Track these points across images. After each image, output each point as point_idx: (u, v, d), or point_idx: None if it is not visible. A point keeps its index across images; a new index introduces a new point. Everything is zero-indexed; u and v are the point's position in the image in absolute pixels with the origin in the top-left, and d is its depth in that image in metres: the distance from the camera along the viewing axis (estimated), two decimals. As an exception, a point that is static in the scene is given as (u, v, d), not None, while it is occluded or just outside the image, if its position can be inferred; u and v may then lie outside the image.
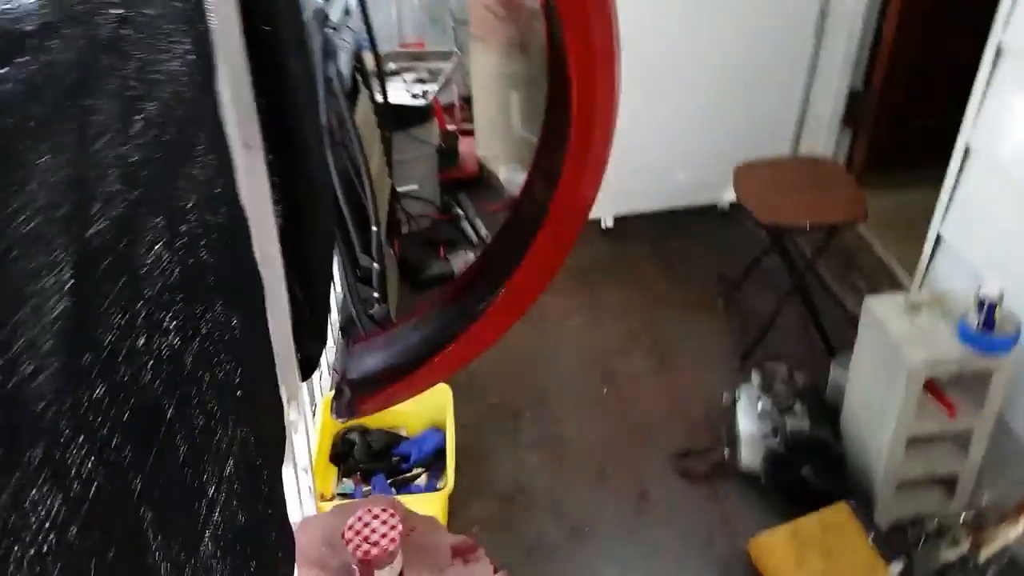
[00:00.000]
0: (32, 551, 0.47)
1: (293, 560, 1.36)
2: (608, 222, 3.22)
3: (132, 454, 0.65)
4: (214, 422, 0.93)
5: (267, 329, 1.32)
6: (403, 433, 2.35)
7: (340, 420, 1.63)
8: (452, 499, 2.08)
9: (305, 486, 2.10)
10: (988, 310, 1.82)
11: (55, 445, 0.49)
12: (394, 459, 2.28)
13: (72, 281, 0.52)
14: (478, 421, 2.41)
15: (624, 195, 3.19)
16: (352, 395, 1.23)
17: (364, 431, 2.31)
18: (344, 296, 2.54)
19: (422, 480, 2.22)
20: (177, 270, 0.80)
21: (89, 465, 0.56)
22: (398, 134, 3.12)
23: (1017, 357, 1.86)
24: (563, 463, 2.31)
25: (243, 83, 1.47)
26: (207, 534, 0.89)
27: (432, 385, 1.23)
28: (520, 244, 1.13)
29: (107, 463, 0.58)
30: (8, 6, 0.46)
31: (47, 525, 0.50)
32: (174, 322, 0.79)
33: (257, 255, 1.21)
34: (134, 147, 0.65)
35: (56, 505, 0.50)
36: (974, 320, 1.84)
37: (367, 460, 2.26)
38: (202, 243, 0.89)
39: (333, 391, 1.41)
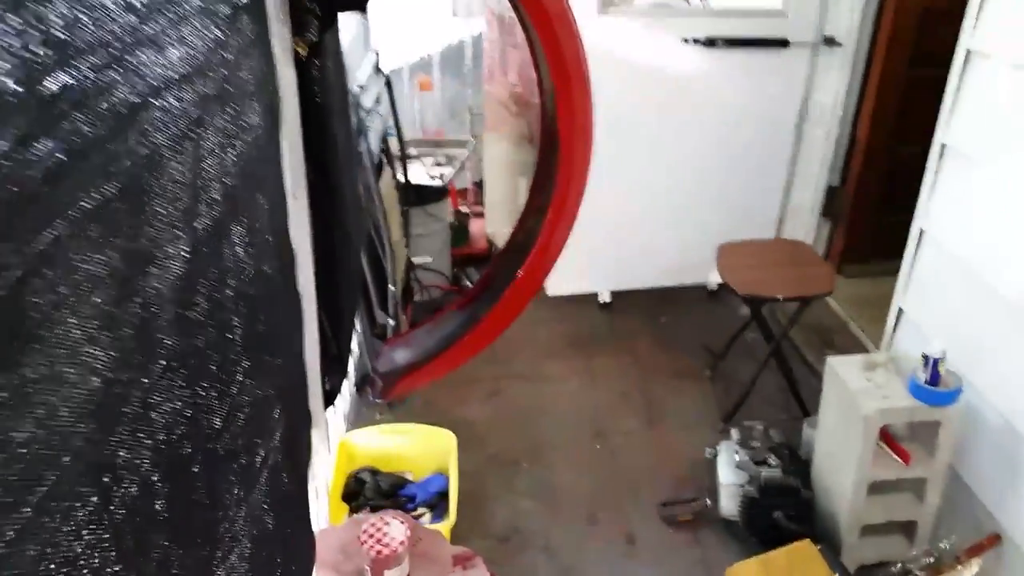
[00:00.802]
0: (149, 440, 0.69)
1: (313, 554, 1.57)
2: (605, 297, 3.49)
3: (213, 398, 0.88)
4: (267, 399, 1.17)
5: (303, 344, 1.58)
6: (409, 477, 2.54)
7: (376, 401, 1.83)
8: (452, 537, 2.25)
9: (321, 513, 2.29)
10: (933, 366, 2.05)
11: (166, 370, 0.69)
12: (401, 499, 2.46)
13: (187, 255, 0.77)
14: (478, 469, 2.60)
15: (621, 273, 3.47)
16: (382, 383, 1.47)
17: (374, 472, 2.50)
18: (360, 351, 2.79)
19: (426, 518, 2.39)
20: (250, 272, 1.07)
21: (185, 395, 0.79)
22: (416, 210, 3.43)
23: (962, 410, 2.08)
24: (556, 509, 2.49)
25: (296, 142, 1.78)
26: (259, 485, 1.12)
27: (445, 373, 1.47)
28: (515, 262, 1.38)
29: (196, 396, 0.80)
30: (161, 59, 0.73)
31: (160, 427, 0.71)
32: (246, 309, 1.05)
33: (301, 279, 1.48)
34: (227, 171, 0.92)
35: (161, 415, 0.73)
36: (922, 376, 2.07)
37: (376, 498, 2.44)
38: (265, 256, 1.16)
39: (365, 383, 1.65)
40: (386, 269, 2.80)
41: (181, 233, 0.76)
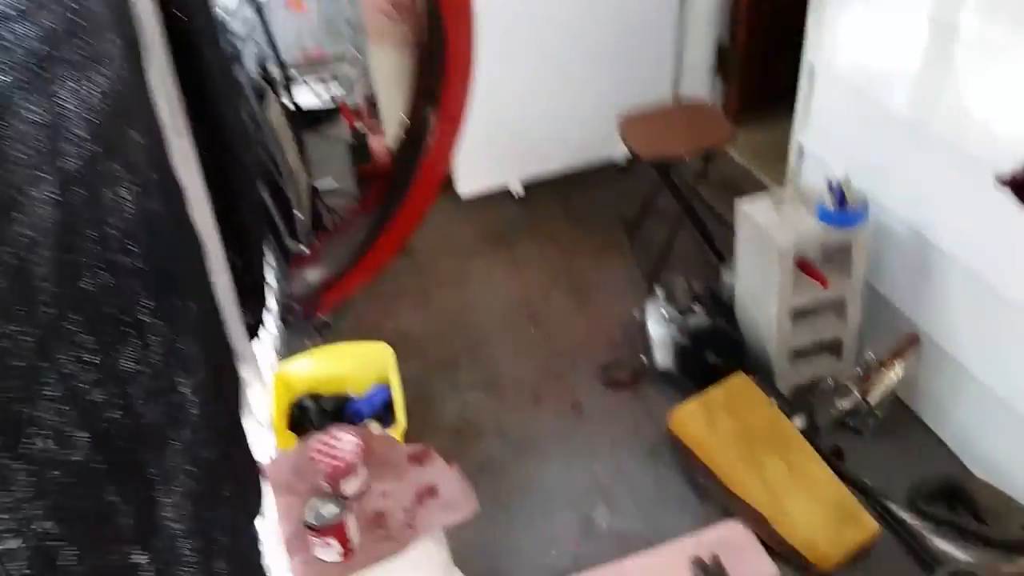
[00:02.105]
0: (55, 391, 0.65)
1: (260, 481, 1.55)
2: (518, 190, 3.47)
3: (119, 340, 0.84)
4: (181, 338, 1.13)
5: (210, 279, 1.53)
6: (352, 395, 2.52)
7: (302, 325, 1.79)
8: (404, 441, 2.26)
9: (268, 444, 2.27)
10: (838, 191, 2.12)
11: (58, 318, 0.67)
12: (348, 417, 2.45)
13: (57, 197, 0.72)
14: (420, 375, 2.60)
15: (529, 160, 3.44)
16: (302, 305, 1.44)
17: (316, 397, 2.48)
18: (278, 284, 2.73)
19: (375, 429, 2.40)
20: (133, 210, 1.02)
21: (87, 340, 0.75)
22: (310, 135, 3.31)
23: (871, 228, 2.17)
24: (502, 395, 2.53)
25: (165, 72, 1.67)
26: (189, 422, 1.09)
27: (370, 278, 1.45)
28: (416, 150, 1.35)
29: (101, 340, 0.76)
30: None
31: (66, 374, 0.68)
32: (137, 249, 1.00)
33: (194, 212, 1.42)
34: (90, 107, 0.86)
35: (66, 362, 0.69)
36: (829, 202, 2.14)
37: (322, 421, 2.43)
38: (150, 194, 1.11)
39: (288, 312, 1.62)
40: (289, 197, 2.71)
41: (45, 175, 0.72)
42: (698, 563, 1.93)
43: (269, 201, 2.73)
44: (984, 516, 1.82)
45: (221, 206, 2.03)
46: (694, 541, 2.00)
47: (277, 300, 2.67)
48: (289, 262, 2.54)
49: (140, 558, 0.83)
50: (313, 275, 1.66)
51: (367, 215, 1.58)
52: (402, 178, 1.43)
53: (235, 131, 2.18)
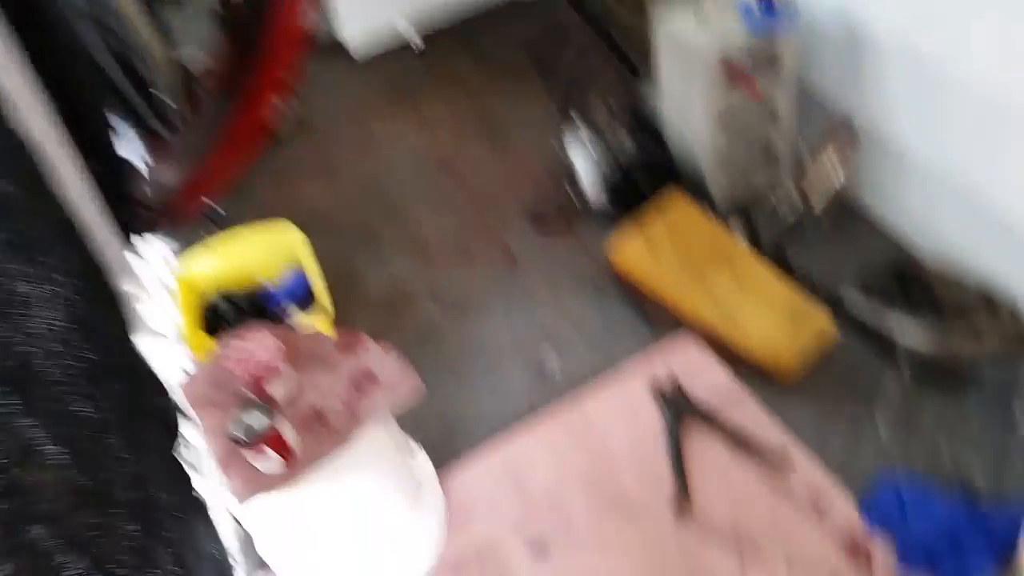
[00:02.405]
0: None
1: (172, 407, 1.37)
2: (417, 41, 3.12)
3: None
4: (13, 265, 0.91)
5: (52, 190, 1.28)
6: (267, 285, 2.32)
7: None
8: (336, 321, 2.10)
9: (181, 355, 2.09)
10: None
11: None
12: (269, 310, 2.27)
13: None
14: (337, 250, 2.40)
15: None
16: (154, 212, 1.22)
17: (228, 296, 2.28)
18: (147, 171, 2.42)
19: (300, 317, 2.23)
20: None
21: None
22: (167, 6, 2.89)
23: (801, 28, 1.99)
24: (430, 258, 2.38)
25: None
26: (51, 377, 0.89)
27: (238, 163, 1.22)
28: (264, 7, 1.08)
29: None
30: None
31: None
32: None
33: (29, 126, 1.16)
34: None
35: None
36: (754, 4, 1.93)
37: (241, 321, 2.23)
38: None
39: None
40: (144, 78, 2.37)
41: None
42: (656, 387, 1.89)
43: (125, 86, 2.39)
44: (938, 296, 1.79)
45: (63, 103, 1.74)
46: (647, 362, 1.95)
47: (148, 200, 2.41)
48: (161, 152, 2.25)
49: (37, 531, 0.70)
50: (167, 176, 1.41)
51: (219, 93, 1.31)
52: (251, 35, 1.15)
53: (61, 17, 1.85)
